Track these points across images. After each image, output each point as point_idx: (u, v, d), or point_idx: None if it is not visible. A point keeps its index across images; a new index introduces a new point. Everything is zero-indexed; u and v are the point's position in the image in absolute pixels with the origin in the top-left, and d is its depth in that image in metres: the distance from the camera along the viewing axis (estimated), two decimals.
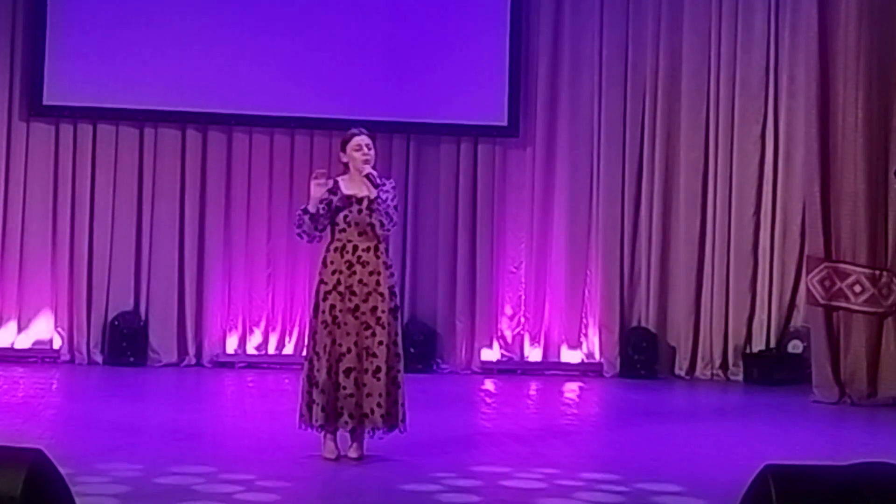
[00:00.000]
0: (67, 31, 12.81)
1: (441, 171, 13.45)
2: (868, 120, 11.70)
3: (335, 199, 7.98)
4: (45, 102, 12.84)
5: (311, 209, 7.97)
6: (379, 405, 7.86)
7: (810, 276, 12.01)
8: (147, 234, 13.08)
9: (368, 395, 7.87)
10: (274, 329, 13.19)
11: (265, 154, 13.24)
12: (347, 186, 8.04)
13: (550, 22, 13.50)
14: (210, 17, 13.03)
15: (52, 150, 12.96)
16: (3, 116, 12.86)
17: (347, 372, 7.85)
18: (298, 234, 8.14)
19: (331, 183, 8.01)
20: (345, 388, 7.85)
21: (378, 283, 7.95)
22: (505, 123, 13.38)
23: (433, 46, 13.28)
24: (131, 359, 12.77)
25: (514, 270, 13.53)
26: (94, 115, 12.95)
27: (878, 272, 11.74)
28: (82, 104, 12.88)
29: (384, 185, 8.06)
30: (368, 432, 7.96)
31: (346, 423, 7.89)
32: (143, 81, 12.82)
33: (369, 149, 8.07)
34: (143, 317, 13.04)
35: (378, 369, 7.87)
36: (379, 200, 7.94)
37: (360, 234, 7.98)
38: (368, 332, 7.91)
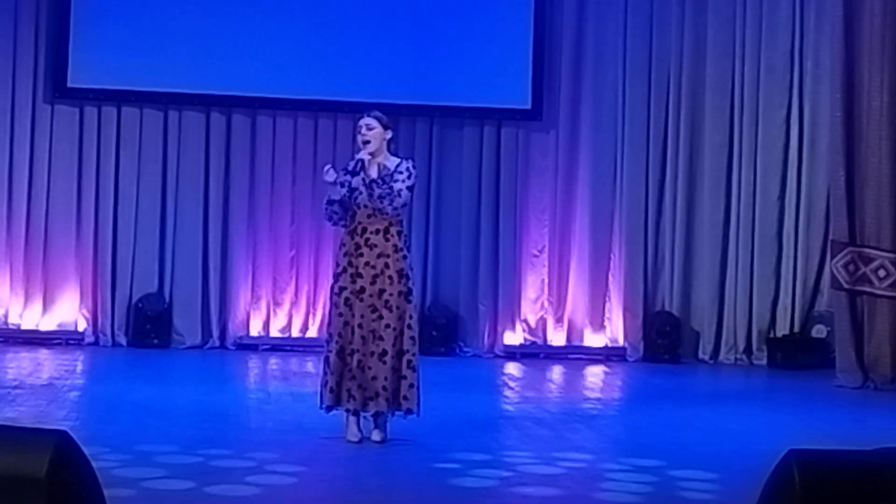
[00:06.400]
0: (92, 14, 12.82)
1: (464, 155, 13.44)
2: (893, 104, 11.63)
3: (354, 179, 7.97)
4: (69, 85, 12.86)
5: (336, 196, 7.99)
6: (384, 388, 7.86)
7: (834, 260, 11.97)
8: (171, 217, 13.11)
9: (373, 378, 7.86)
10: (298, 311, 13.21)
11: (289, 137, 13.26)
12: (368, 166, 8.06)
13: (574, 4, 13.46)
14: (234, 0, 13.04)
15: (77, 133, 12.99)
16: (28, 99, 12.90)
17: (352, 353, 7.87)
18: (334, 224, 8.19)
19: (334, 174, 8.03)
20: (350, 369, 7.87)
21: (387, 265, 7.93)
22: (528, 107, 13.36)
23: (457, 30, 13.25)
24: (155, 341, 12.81)
25: (538, 254, 13.52)
26: (119, 98, 12.97)
27: None
28: (107, 87, 12.89)
29: (399, 164, 8.06)
30: (378, 414, 7.96)
31: (352, 404, 7.89)
32: (168, 65, 12.85)
33: (369, 129, 8.03)
34: (167, 299, 13.07)
35: (384, 352, 7.87)
36: (378, 182, 7.94)
37: (369, 217, 7.98)
38: (375, 315, 7.90)
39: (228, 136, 13.19)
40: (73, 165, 12.99)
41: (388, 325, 7.89)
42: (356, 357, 7.86)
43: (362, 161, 7.96)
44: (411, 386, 7.92)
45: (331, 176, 7.99)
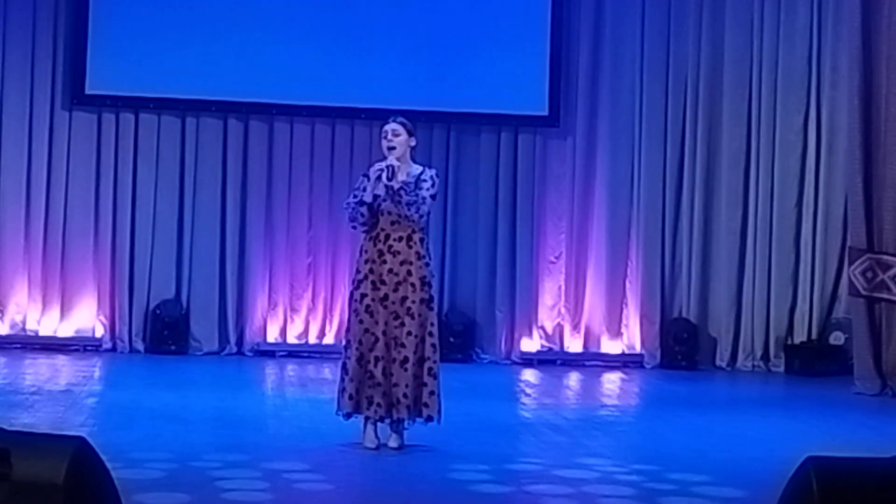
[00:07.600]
0: (110, 21, 12.86)
1: (481, 162, 13.44)
2: None
3: (378, 186, 7.95)
4: (87, 92, 12.90)
5: (368, 199, 7.95)
6: (405, 395, 7.85)
7: (852, 267, 11.94)
8: (189, 224, 13.13)
9: (395, 384, 7.86)
10: (315, 318, 13.22)
11: (306, 144, 13.27)
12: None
13: (592, 11, 13.45)
14: (251, 7, 13.06)
15: (95, 140, 13.02)
16: (46, 106, 12.93)
17: (375, 361, 7.86)
18: (356, 226, 8.12)
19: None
20: (373, 376, 7.86)
21: (409, 272, 7.92)
22: (546, 113, 13.36)
23: (474, 36, 13.26)
24: (172, 347, 12.83)
25: (555, 261, 13.51)
26: (137, 105, 13.01)
27: None
28: (125, 94, 12.93)
29: (423, 172, 8.06)
30: (398, 421, 7.95)
31: (375, 411, 7.89)
32: (185, 71, 12.88)
33: (395, 135, 8.02)
34: (184, 305, 13.10)
35: (406, 359, 7.86)
36: (406, 189, 7.92)
37: (392, 224, 7.97)
38: (397, 322, 7.90)
39: (246, 143, 13.21)
40: (91, 172, 13.01)
41: (409, 333, 7.88)
42: (381, 364, 7.86)
43: (392, 167, 7.95)
44: (432, 393, 7.92)
45: (374, 173, 7.97)
